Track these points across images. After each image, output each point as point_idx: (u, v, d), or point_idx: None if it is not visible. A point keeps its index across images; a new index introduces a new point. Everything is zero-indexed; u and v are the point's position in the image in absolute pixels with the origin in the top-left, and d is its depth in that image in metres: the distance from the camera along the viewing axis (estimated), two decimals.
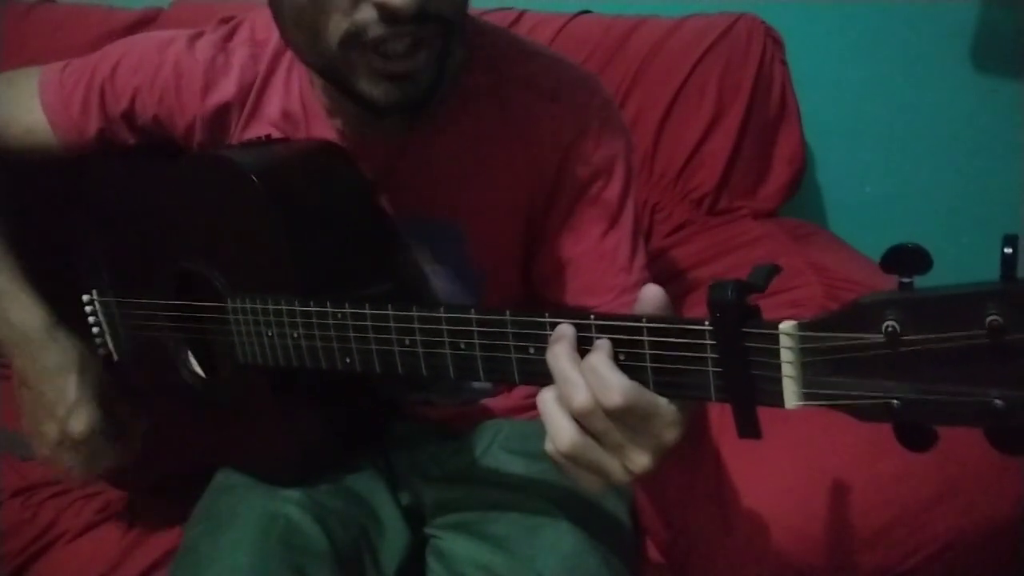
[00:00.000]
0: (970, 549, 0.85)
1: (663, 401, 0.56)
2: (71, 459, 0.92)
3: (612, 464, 0.57)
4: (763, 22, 1.39)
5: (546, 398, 0.58)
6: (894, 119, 1.56)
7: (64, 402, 0.90)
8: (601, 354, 0.56)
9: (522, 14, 1.45)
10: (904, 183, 1.59)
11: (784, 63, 1.41)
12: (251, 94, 0.90)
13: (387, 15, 0.67)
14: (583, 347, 0.58)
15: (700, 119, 1.39)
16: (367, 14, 0.68)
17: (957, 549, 0.85)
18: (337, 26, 0.69)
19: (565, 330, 0.58)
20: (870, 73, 1.54)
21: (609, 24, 1.43)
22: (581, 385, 0.56)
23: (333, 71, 0.74)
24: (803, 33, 1.46)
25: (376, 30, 0.68)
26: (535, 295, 0.94)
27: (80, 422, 0.90)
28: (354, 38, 0.69)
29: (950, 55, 1.51)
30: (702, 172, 1.41)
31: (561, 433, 0.57)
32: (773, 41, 1.39)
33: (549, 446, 0.59)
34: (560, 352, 0.57)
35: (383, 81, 0.72)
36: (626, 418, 0.55)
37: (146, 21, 1.49)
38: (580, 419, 0.56)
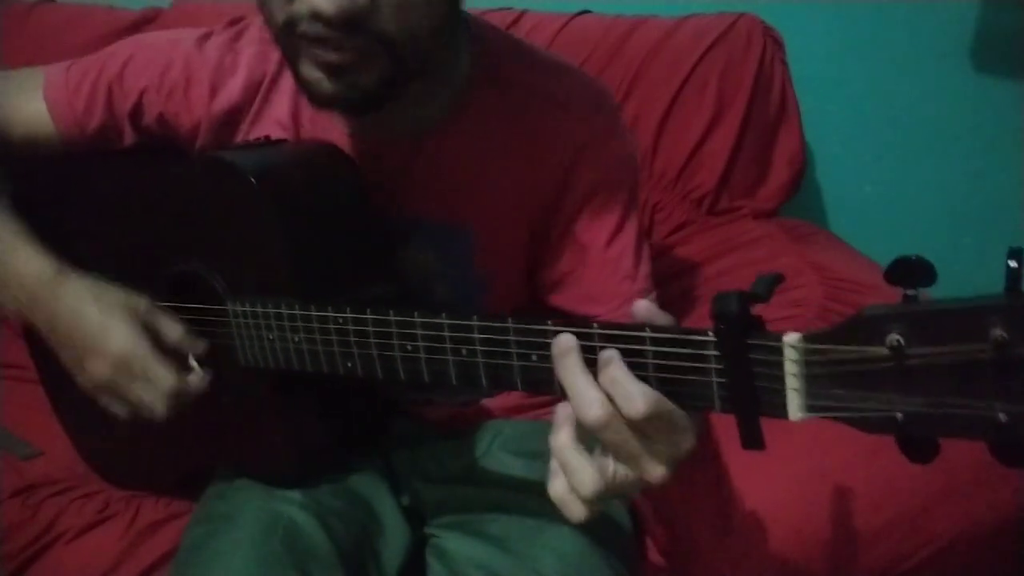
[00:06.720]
0: (970, 549, 0.86)
1: (679, 409, 0.56)
2: (139, 389, 0.83)
3: (628, 478, 0.58)
4: (763, 22, 1.39)
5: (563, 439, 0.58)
6: (894, 119, 1.56)
7: (94, 329, 0.84)
8: (619, 366, 0.56)
9: (522, 14, 1.45)
10: (904, 183, 1.59)
11: (784, 63, 1.41)
12: (259, 94, 0.91)
13: (314, 14, 0.69)
14: (586, 356, 0.57)
15: (700, 119, 1.39)
16: (302, 7, 0.70)
17: (957, 549, 0.86)
18: (279, 12, 0.73)
19: (570, 342, 0.58)
20: (870, 73, 1.54)
21: (609, 24, 1.43)
22: (596, 399, 0.56)
23: (284, 52, 0.77)
24: (803, 33, 1.46)
25: (305, 26, 0.71)
26: (538, 301, 0.94)
27: (115, 340, 0.82)
28: (291, 26, 0.72)
29: (950, 55, 1.51)
30: (702, 172, 1.41)
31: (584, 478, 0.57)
32: (773, 41, 1.39)
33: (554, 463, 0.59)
34: (571, 366, 0.57)
35: (318, 70, 0.74)
36: (646, 428, 0.55)
37: (146, 21, 1.49)
38: (595, 432, 0.56)
